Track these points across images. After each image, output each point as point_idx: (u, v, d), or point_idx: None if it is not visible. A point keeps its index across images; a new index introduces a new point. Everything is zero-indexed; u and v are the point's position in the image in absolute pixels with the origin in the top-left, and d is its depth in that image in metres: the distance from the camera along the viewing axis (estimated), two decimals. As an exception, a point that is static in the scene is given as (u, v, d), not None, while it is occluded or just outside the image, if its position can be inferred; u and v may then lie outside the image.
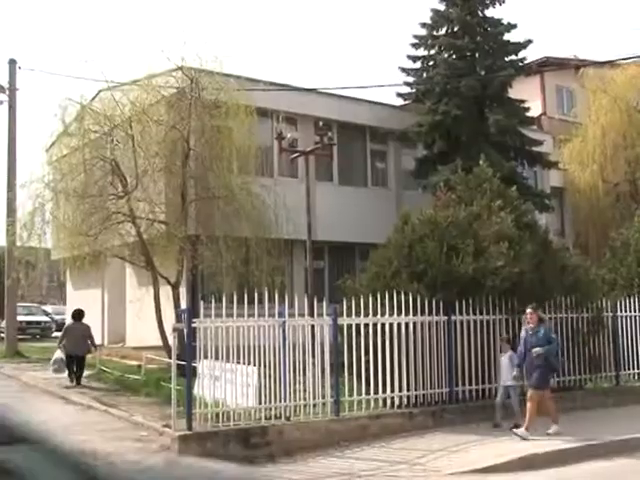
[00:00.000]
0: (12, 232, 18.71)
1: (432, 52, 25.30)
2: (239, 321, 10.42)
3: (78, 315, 18.01)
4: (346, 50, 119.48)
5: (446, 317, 12.41)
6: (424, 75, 25.49)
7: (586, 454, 10.27)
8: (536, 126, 29.11)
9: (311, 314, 11.82)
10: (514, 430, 10.87)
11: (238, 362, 10.44)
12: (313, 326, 11.20)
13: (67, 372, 16.95)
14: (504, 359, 11.89)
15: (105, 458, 2.60)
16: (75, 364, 16.94)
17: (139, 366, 17.24)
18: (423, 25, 25.24)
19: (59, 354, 17.18)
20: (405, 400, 11.90)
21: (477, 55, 24.62)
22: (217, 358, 10.33)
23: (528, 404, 11.09)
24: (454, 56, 24.79)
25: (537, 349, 11.16)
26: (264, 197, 18.12)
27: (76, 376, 16.84)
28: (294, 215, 18.20)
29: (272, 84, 21.50)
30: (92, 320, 24.63)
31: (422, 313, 12.08)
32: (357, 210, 22.95)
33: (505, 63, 24.55)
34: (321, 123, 18.29)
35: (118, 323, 24.37)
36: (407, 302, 11.87)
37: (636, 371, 15.38)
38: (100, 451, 2.84)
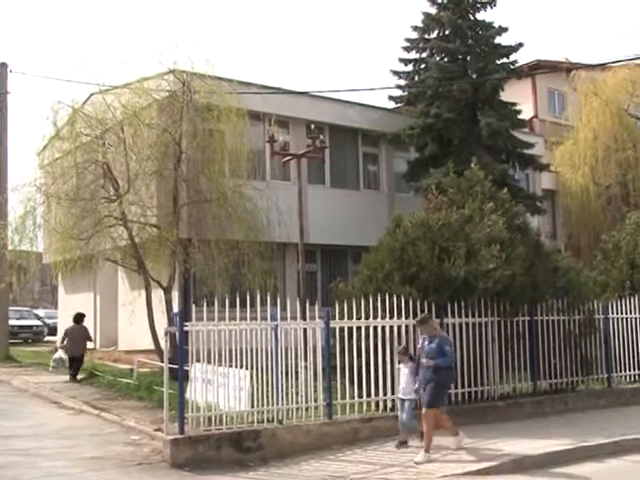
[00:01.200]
0: (3, 236, 18.63)
1: (424, 55, 25.35)
2: (231, 324, 10.41)
3: (79, 318, 19.31)
4: (338, 53, 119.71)
5: (438, 320, 12.41)
6: (416, 78, 25.52)
7: (578, 456, 10.31)
8: (528, 129, 29.22)
9: (303, 317, 11.81)
10: (416, 460, 9.79)
11: (230, 365, 10.43)
12: (305, 329, 11.20)
13: (68, 370, 18.26)
14: (405, 370, 10.80)
15: None
16: (74, 363, 18.23)
17: (131, 370, 17.22)
18: (415, 28, 25.28)
19: (60, 354, 18.88)
20: (398, 403, 11.89)
21: (469, 58, 24.66)
22: (209, 362, 10.32)
23: (423, 424, 10.17)
24: (446, 59, 24.84)
25: (424, 359, 10.28)
26: (256, 200, 18.13)
27: (72, 374, 18.02)
28: (286, 218, 18.23)
29: (264, 87, 21.51)
30: (84, 324, 24.53)
31: (414, 316, 12.07)
32: (349, 213, 22.96)
33: (497, 66, 24.58)
34: (313, 126, 18.30)
35: (110, 327, 24.34)
36: (399, 305, 11.88)
37: (628, 373, 15.43)
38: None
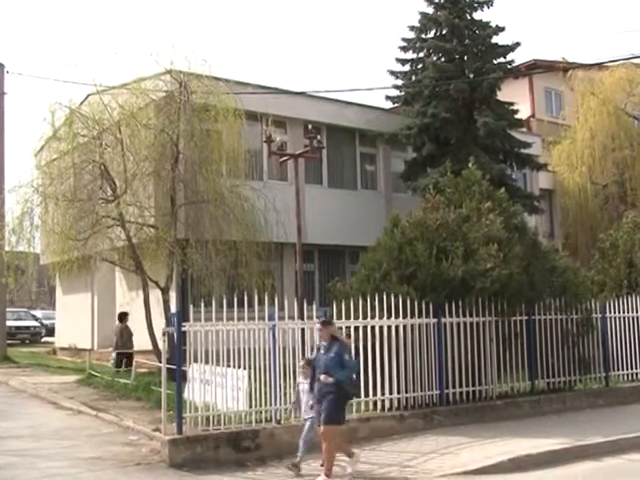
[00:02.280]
0: (0, 237, 18.60)
1: (421, 55, 25.32)
2: (229, 325, 10.41)
3: (122, 317, 19.82)
4: (335, 53, 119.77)
5: (436, 319, 12.43)
6: (413, 78, 25.50)
7: (576, 455, 10.34)
8: (525, 128, 29.23)
9: (301, 317, 11.80)
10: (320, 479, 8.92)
11: (228, 366, 10.42)
12: (303, 329, 11.19)
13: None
14: (307, 387, 9.57)
15: None
16: (126, 359, 18.64)
17: (129, 370, 17.19)
18: (412, 28, 25.26)
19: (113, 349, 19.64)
20: (395, 402, 11.90)
21: (466, 58, 24.64)
22: (207, 362, 10.31)
23: (323, 445, 9.02)
24: (443, 59, 24.81)
25: (323, 376, 8.98)
26: (254, 200, 18.13)
27: (125, 366, 18.23)
28: (284, 218, 18.22)
29: (261, 87, 21.48)
30: (82, 324, 24.54)
31: (412, 315, 12.10)
32: (347, 213, 22.96)
33: (494, 66, 24.57)
34: (310, 126, 18.28)
35: (108, 327, 24.26)
36: (397, 304, 11.88)
37: (625, 372, 15.46)
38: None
